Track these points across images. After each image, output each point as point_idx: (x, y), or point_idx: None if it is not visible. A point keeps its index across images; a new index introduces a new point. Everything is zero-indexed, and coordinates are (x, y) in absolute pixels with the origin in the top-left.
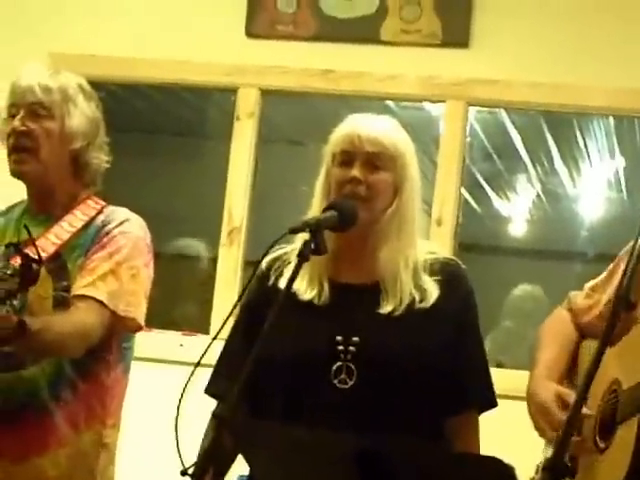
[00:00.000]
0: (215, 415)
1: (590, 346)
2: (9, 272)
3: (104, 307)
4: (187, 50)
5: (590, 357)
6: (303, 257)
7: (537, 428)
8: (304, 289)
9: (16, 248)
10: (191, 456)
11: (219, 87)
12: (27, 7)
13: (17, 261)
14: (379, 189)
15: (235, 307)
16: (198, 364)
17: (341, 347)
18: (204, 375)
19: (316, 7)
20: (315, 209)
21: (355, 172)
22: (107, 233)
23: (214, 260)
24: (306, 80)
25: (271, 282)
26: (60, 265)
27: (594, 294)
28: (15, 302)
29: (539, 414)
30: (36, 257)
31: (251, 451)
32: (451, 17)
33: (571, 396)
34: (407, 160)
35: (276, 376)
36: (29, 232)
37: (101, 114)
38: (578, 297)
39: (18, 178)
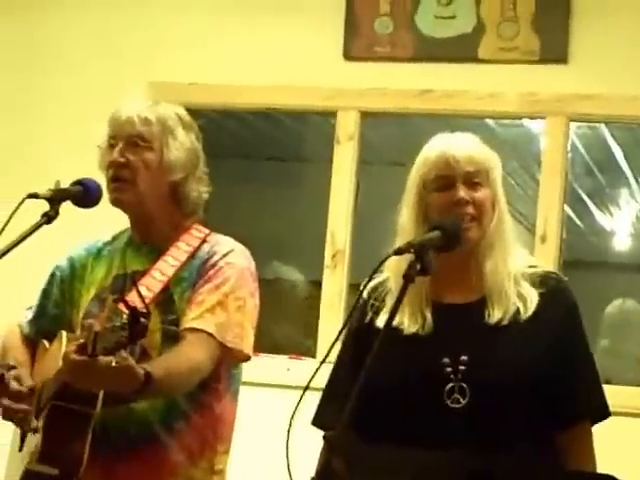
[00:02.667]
0: (326, 439)
1: None
2: (118, 324)
3: (213, 339)
4: (285, 75)
5: None
6: (409, 278)
7: None
8: (408, 323)
9: (124, 300)
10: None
11: (318, 111)
12: (126, 37)
13: (125, 310)
14: (485, 205)
15: (342, 332)
16: (307, 388)
17: (450, 368)
18: (313, 399)
19: (413, 27)
20: (408, 238)
21: (461, 193)
22: (213, 265)
23: (317, 283)
24: (405, 101)
25: (371, 314)
26: (167, 298)
27: None
28: (124, 354)
29: None
30: (144, 310)
31: (362, 475)
32: (549, 33)
33: None
34: (497, 172)
35: (387, 405)
36: (136, 285)
37: (201, 144)
38: None
39: (117, 207)
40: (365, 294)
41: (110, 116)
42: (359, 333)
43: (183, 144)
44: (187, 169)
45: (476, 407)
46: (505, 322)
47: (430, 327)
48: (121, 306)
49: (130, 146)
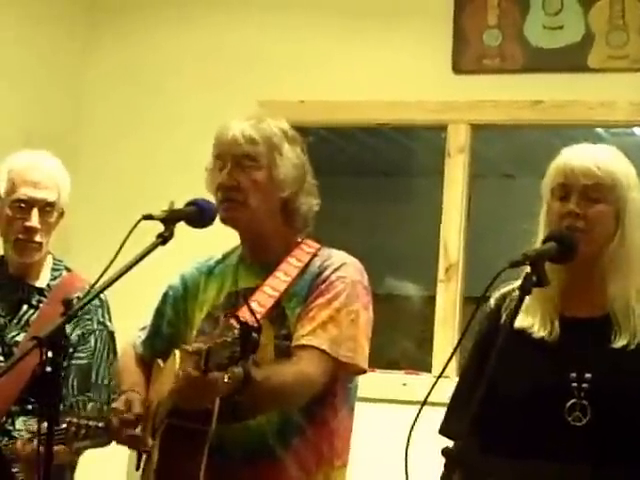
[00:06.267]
0: (445, 453)
1: None
2: (229, 340)
3: (326, 355)
4: (395, 90)
5: None
6: (525, 290)
7: None
8: (537, 327)
9: (235, 315)
10: None
11: (428, 125)
12: (235, 56)
13: (237, 325)
14: (597, 222)
15: (459, 344)
16: (424, 403)
17: (575, 384)
18: (430, 414)
19: (522, 39)
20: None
21: (572, 206)
22: (324, 280)
23: (430, 298)
24: (515, 112)
25: (503, 320)
26: (280, 313)
27: None
28: (236, 370)
29: None
30: (255, 325)
31: None
32: None
33: None
34: (627, 189)
35: (508, 414)
36: (246, 300)
37: (306, 156)
38: None
39: (229, 225)
40: (493, 303)
41: (215, 135)
42: (487, 345)
43: (290, 160)
44: (296, 184)
45: (597, 427)
46: (633, 346)
47: (557, 336)
48: (233, 322)
49: (238, 167)
